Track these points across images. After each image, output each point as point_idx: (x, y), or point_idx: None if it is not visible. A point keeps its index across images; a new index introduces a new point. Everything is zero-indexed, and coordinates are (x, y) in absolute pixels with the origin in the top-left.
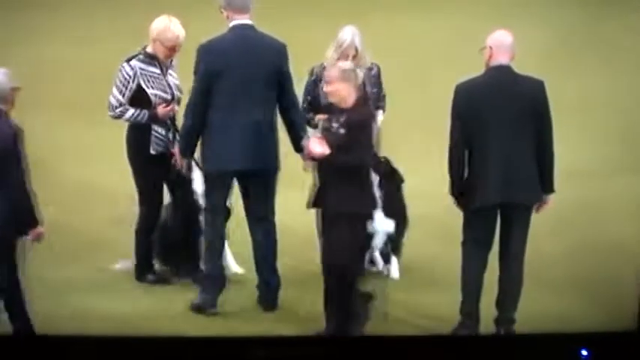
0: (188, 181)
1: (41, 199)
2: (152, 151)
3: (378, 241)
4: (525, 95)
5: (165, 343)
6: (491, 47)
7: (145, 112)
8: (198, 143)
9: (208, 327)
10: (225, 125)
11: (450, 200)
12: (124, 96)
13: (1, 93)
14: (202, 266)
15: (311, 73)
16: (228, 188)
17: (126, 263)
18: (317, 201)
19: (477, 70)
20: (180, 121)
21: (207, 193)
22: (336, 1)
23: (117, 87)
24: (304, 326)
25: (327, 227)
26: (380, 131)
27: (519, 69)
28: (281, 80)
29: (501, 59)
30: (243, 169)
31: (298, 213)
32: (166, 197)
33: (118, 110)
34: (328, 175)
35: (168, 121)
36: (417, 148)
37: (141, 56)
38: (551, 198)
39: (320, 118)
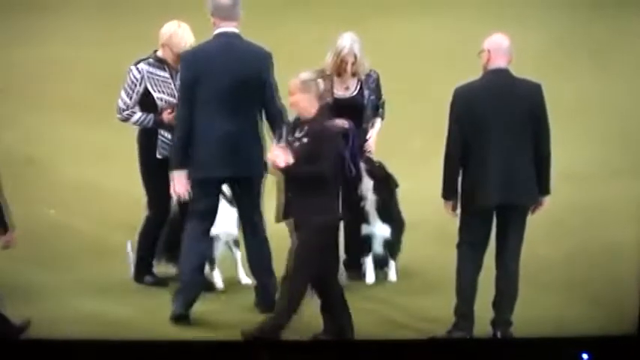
0: None
1: (41, 199)
2: (158, 155)
3: (375, 246)
4: (523, 98)
5: (165, 347)
6: (488, 51)
7: (151, 116)
8: None
9: (206, 331)
10: (208, 132)
11: None
12: (131, 99)
13: None
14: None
15: None
16: (215, 195)
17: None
18: (286, 212)
19: (475, 74)
20: None
21: (194, 199)
22: (333, 6)
23: (125, 90)
24: (302, 329)
25: (298, 237)
26: (375, 137)
27: (516, 72)
28: (265, 89)
29: (499, 62)
30: (226, 176)
31: None
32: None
33: (125, 113)
34: (294, 185)
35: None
36: (417, 151)
37: (150, 60)
38: (547, 200)
39: None
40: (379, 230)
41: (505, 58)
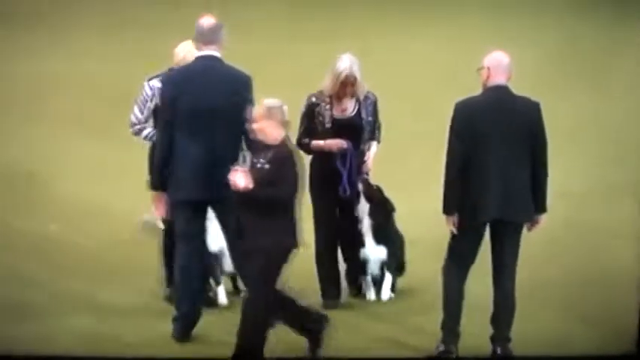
0: None
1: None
2: None
3: (372, 268)
4: (523, 115)
5: None
6: (488, 68)
7: None
8: None
9: (207, 348)
10: (186, 154)
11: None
12: (142, 114)
13: None
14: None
15: (307, 100)
16: (198, 217)
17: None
18: (240, 235)
19: (476, 93)
20: None
21: (177, 221)
22: (336, 24)
23: (137, 105)
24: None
25: (245, 260)
26: (372, 159)
27: (513, 91)
28: (243, 111)
29: (499, 79)
30: (205, 199)
31: None
32: None
33: (136, 127)
34: (248, 208)
35: None
36: (419, 168)
37: (163, 77)
38: (543, 218)
39: (315, 144)
40: (374, 253)
41: (505, 75)
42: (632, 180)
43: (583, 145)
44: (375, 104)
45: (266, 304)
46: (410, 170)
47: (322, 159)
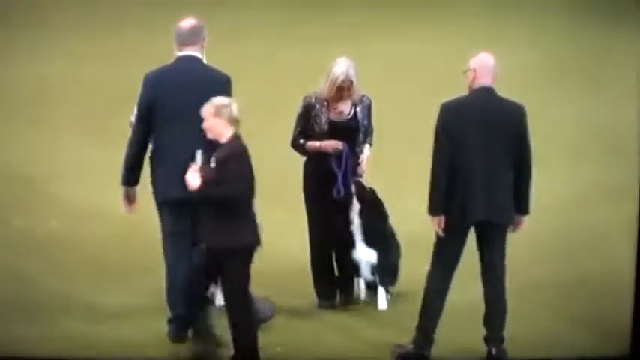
0: None
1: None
2: None
3: (364, 271)
4: (508, 117)
5: None
6: (474, 69)
7: None
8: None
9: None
10: (164, 155)
11: None
12: None
13: None
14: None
15: (303, 101)
16: (183, 216)
17: None
18: (198, 236)
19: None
20: None
21: (162, 220)
22: (331, 27)
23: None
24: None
25: (208, 262)
26: (366, 162)
27: (507, 95)
28: None
29: (485, 81)
30: (186, 198)
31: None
32: None
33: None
34: (205, 208)
35: None
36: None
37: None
38: (526, 220)
39: (311, 145)
40: (364, 255)
41: (490, 76)
42: (626, 182)
43: (578, 148)
44: (369, 107)
45: (246, 303)
46: (408, 172)
47: (317, 160)
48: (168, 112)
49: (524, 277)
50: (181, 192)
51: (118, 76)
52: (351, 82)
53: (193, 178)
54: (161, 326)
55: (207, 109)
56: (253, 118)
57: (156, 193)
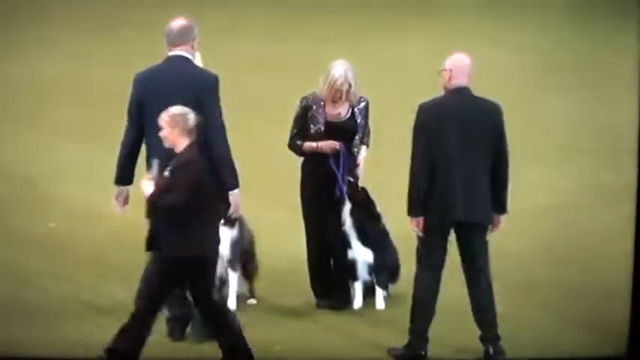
0: None
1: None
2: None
3: (361, 271)
4: (485, 116)
5: None
6: (450, 70)
7: None
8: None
9: (203, 351)
10: (155, 154)
11: None
12: None
13: None
14: None
15: (301, 102)
16: None
17: None
18: (149, 244)
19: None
20: None
21: None
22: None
23: None
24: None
25: (158, 269)
26: (362, 163)
27: (505, 93)
28: (206, 113)
29: (460, 81)
30: None
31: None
32: None
33: None
34: (156, 216)
35: None
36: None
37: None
38: (503, 219)
39: (308, 145)
40: (361, 254)
41: (466, 76)
42: (624, 183)
43: (576, 148)
44: (367, 108)
45: (221, 304)
46: (405, 173)
47: (314, 161)
48: (156, 111)
49: (521, 277)
50: None
51: (118, 76)
52: (350, 85)
53: (146, 186)
54: (161, 326)
55: (163, 118)
56: (252, 118)
57: None
